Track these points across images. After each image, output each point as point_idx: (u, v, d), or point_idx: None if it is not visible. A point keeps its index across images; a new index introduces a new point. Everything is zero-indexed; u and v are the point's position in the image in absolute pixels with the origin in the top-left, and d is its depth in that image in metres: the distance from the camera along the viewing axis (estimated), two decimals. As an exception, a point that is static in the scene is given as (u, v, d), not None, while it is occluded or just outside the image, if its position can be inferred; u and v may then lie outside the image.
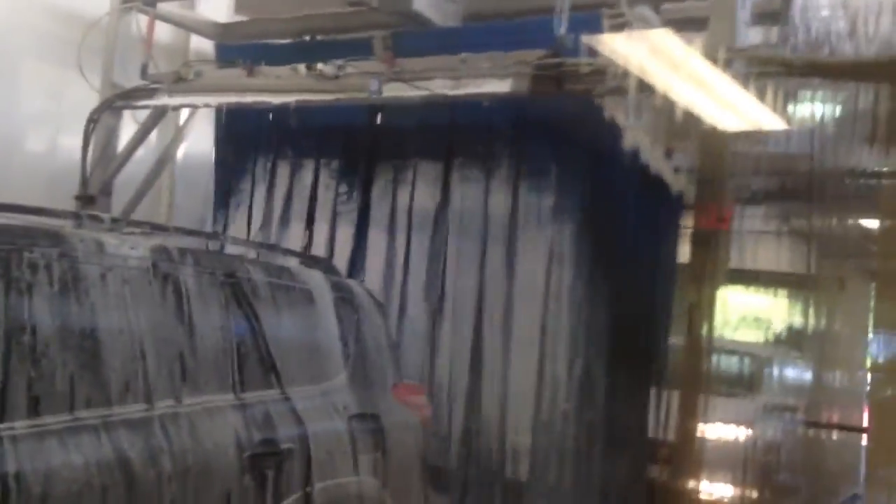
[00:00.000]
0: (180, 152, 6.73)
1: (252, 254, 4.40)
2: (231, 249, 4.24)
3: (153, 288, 3.11)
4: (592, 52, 4.64)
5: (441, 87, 4.99)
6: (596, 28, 4.57)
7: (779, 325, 8.63)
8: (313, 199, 6.04)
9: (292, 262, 4.29)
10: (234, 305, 3.45)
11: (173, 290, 3.18)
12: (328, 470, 3.54)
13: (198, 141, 6.73)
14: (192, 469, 2.97)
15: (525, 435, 5.26)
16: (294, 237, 6.01)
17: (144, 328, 3.02)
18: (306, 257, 4.69)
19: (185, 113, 6.48)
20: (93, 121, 6.01)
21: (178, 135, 6.60)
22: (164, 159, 6.59)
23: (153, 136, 6.40)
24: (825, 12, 5.34)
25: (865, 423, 8.02)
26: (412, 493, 4.04)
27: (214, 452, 3.09)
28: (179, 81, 5.68)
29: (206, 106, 5.79)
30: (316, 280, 4.05)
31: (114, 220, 3.40)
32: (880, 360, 2.58)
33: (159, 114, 6.13)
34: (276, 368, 3.54)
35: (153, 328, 3.06)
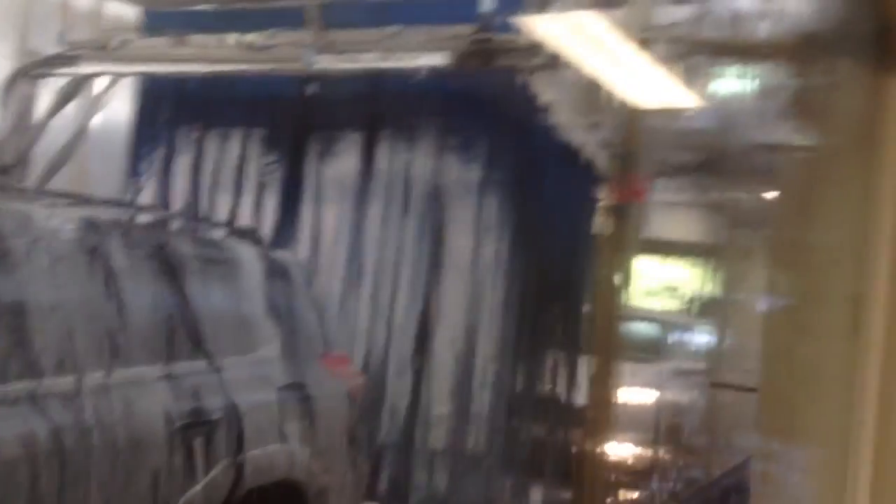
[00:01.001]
0: (97, 121, 6.57)
1: (179, 225, 4.38)
2: (155, 219, 4.21)
3: (80, 260, 3.10)
4: (520, 29, 4.75)
5: (372, 59, 5.03)
6: (520, 6, 4.68)
7: (689, 294, 9.03)
8: (240, 169, 6.01)
9: (220, 234, 4.30)
10: (163, 277, 3.46)
11: (101, 263, 3.18)
12: (257, 439, 3.60)
13: (116, 110, 6.58)
14: (122, 440, 2.99)
15: (446, 403, 5.40)
16: (220, 208, 5.98)
17: (72, 301, 3.02)
18: (234, 228, 4.69)
19: (103, 81, 6.31)
20: (6, 89, 5.83)
21: (97, 104, 6.43)
22: (82, 129, 6.42)
23: (74, 105, 6.22)
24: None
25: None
26: (340, 461, 4.13)
27: (144, 424, 3.11)
28: (102, 49, 5.55)
29: (132, 75, 5.68)
30: (244, 251, 4.07)
31: (39, 192, 3.36)
32: (769, 325, 2.80)
33: (78, 83, 5.97)
34: (205, 340, 3.57)
35: (81, 300, 3.06)
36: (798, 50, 3.74)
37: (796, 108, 4.10)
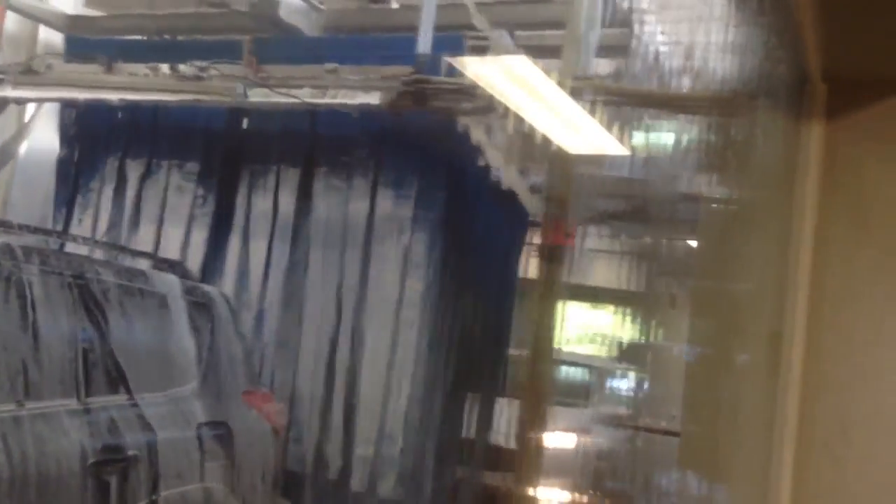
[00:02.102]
0: (22, 147, 6.38)
1: (102, 255, 4.26)
2: (80, 250, 4.08)
3: (-6, 287, 2.98)
4: (456, 72, 4.82)
5: (307, 95, 5.03)
6: (457, 49, 4.76)
7: (615, 339, 9.16)
8: (166, 201, 5.88)
9: (144, 265, 4.19)
10: (82, 308, 3.35)
11: (16, 291, 3.06)
12: (175, 477, 3.49)
13: (41, 137, 6.40)
14: (33, 475, 2.86)
15: (367, 445, 5.31)
16: (145, 240, 5.83)
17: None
18: (160, 260, 4.59)
19: (30, 108, 6.16)
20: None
21: (22, 130, 6.26)
22: (5, 155, 6.23)
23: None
24: (663, 48, 5.78)
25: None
26: (261, 500, 4.02)
27: (57, 459, 2.99)
28: (28, 73, 5.41)
29: (57, 100, 5.54)
30: (169, 284, 3.98)
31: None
32: (691, 370, 2.87)
33: (2, 106, 5.80)
34: (123, 374, 3.46)
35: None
36: (721, 102, 3.91)
37: (718, 159, 4.25)
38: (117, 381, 3.42)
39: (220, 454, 3.79)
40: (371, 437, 5.27)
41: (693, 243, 7.56)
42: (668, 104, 5.40)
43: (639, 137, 5.60)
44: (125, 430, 3.32)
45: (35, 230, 3.97)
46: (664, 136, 5.84)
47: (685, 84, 5.57)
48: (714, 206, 3.27)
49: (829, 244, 2.35)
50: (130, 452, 3.29)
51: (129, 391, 3.46)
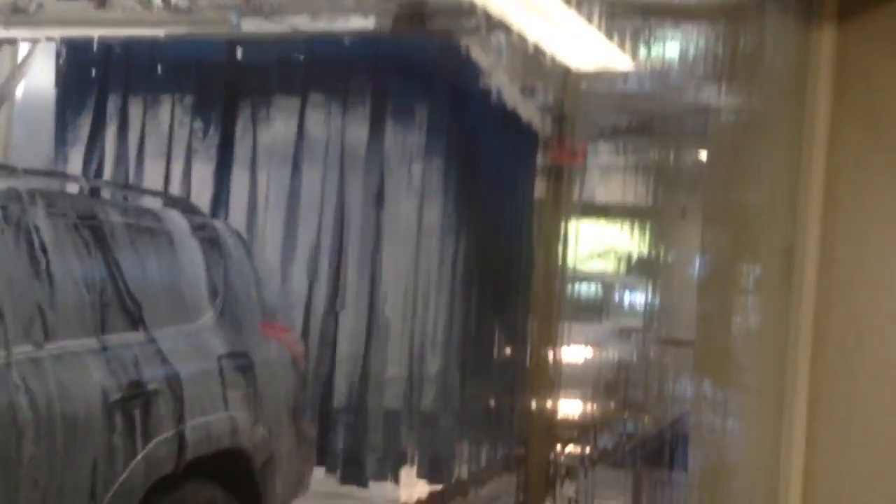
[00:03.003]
0: (19, 89, 6.30)
1: (109, 194, 4.25)
2: (83, 189, 4.06)
3: (5, 232, 2.98)
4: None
5: (301, 22, 4.93)
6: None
7: (626, 254, 9.20)
8: (169, 136, 5.84)
9: (151, 202, 4.18)
10: (93, 248, 3.35)
11: (26, 233, 3.07)
12: (199, 408, 3.55)
13: (38, 77, 6.32)
14: (57, 416, 2.92)
15: (398, 366, 5.42)
16: (150, 176, 5.81)
17: (-3, 272, 2.91)
18: (166, 197, 4.58)
19: (23, 48, 6.05)
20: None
21: (16, 71, 6.16)
22: (3, 96, 6.15)
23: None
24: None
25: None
26: (286, 427, 4.11)
27: (79, 398, 3.03)
28: (18, 13, 5.30)
29: (50, 40, 5.44)
30: (177, 220, 3.98)
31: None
32: (704, 281, 2.88)
33: (-4, 46, 5.71)
34: (139, 311, 3.49)
35: (6, 274, 2.95)
36: (728, 9, 3.80)
37: (727, 69, 4.16)
38: (133, 318, 3.45)
39: (242, 384, 3.85)
40: (400, 359, 5.36)
41: (703, 155, 7.50)
42: (673, 13, 5.27)
43: (644, 50, 5.48)
44: (145, 366, 3.37)
45: (41, 173, 3.96)
46: (670, 47, 5.71)
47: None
48: (724, 117, 3.22)
49: (842, 150, 2.32)
50: (151, 386, 3.34)
51: (145, 328, 3.50)
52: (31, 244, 3.06)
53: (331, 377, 5.45)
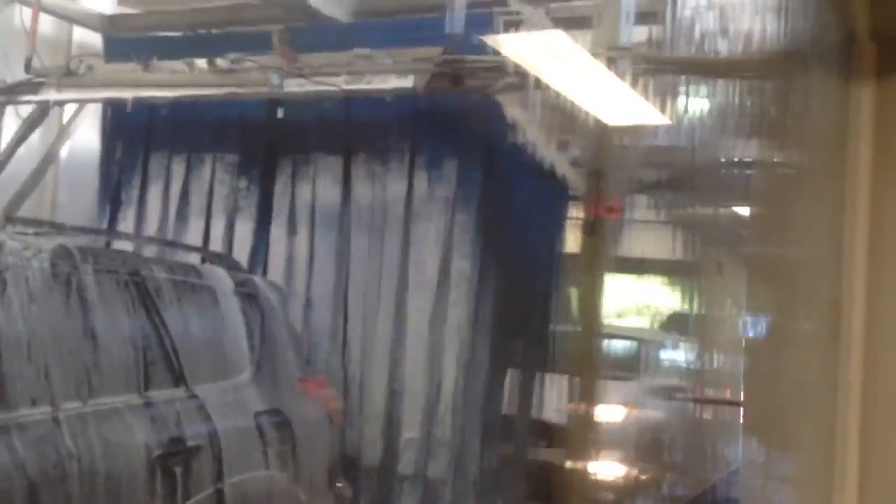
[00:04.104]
0: (65, 150, 6.50)
1: (153, 251, 4.33)
2: (128, 246, 4.16)
3: (55, 289, 3.05)
4: (489, 49, 4.79)
5: (341, 82, 5.04)
6: (488, 26, 4.72)
7: (662, 310, 9.11)
8: (211, 194, 5.96)
9: (194, 259, 4.25)
10: (138, 304, 3.41)
11: (75, 291, 3.13)
12: (238, 466, 3.55)
13: (83, 138, 6.51)
14: (101, 471, 2.94)
15: (412, 428, 5.35)
16: (192, 233, 5.92)
17: (47, 331, 2.96)
18: (208, 253, 4.65)
19: (69, 109, 6.26)
20: (-24, 118, 5.75)
21: (63, 131, 6.37)
22: (49, 157, 6.35)
23: (39, 133, 6.15)
24: (699, 12, 5.67)
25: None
26: (321, 485, 4.08)
27: (122, 453, 3.06)
28: (69, 75, 5.50)
29: (100, 101, 5.62)
30: (219, 276, 4.04)
31: (10, 220, 3.30)
32: (752, 339, 2.83)
33: (44, 110, 5.90)
34: (181, 367, 3.52)
35: (55, 330, 3.00)
36: (762, 66, 3.82)
37: (763, 124, 4.17)
38: (176, 374, 3.49)
39: (279, 441, 3.85)
40: (417, 420, 5.31)
41: (739, 210, 7.46)
42: (707, 69, 5.31)
43: (679, 105, 5.51)
44: (186, 422, 3.39)
45: (87, 231, 4.05)
46: (704, 102, 5.75)
47: (723, 48, 5.47)
48: (765, 171, 3.22)
49: (884, 202, 2.31)
50: (192, 443, 3.36)
51: (187, 384, 3.53)
52: (79, 302, 3.13)
53: (361, 436, 5.40)
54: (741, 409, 7.53)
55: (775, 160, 2.95)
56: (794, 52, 3.05)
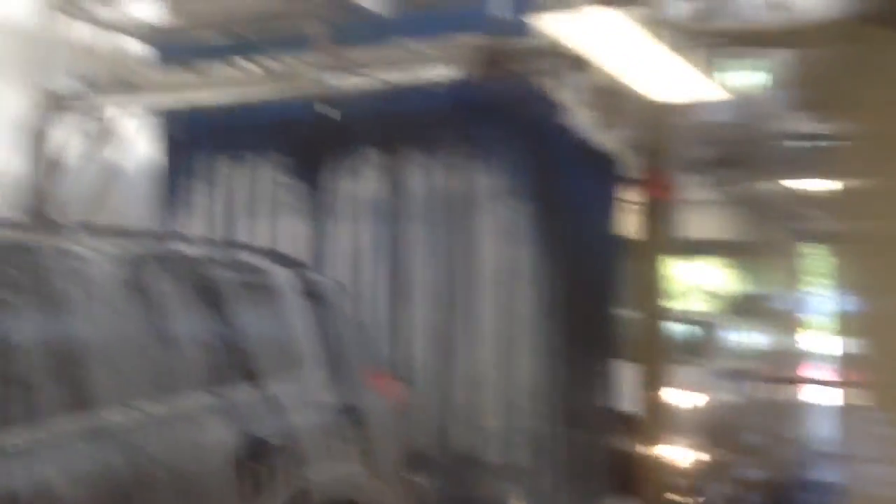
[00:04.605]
0: (124, 158, 6.60)
1: (216, 253, 4.36)
2: (195, 250, 4.19)
3: (128, 294, 3.08)
4: (531, 34, 4.72)
5: (387, 75, 5.03)
6: (532, 8, 4.66)
7: (726, 292, 8.93)
8: (267, 194, 6.01)
9: (256, 259, 4.27)
10: (208, 306, 3.44)
11: (146, 295, 3.16)
12: (319, 462, 3.55)
13: (141, 146, 6.62)
14: (185, 472, 2.96)
15: (492, 416, 5.34)
16: (250, 234, 5.97)
17: (122, 334, 2.99)
18: (268, 253, 4.67)
19: (126, 119, 6.35)
20: (34, 131, 5.87)
21: (121, 141, 6.47)
22: (110, 167, 6.45)
23: (98, 144, 6.26)
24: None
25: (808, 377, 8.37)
26: (398, 478, 4.08)
27: (205, 454, 3.07)
28: (125, 86, 5.58)
29: (155, 109, 5.70)
30: (282, 275, 4.05)
31: (78, 227, 3.35)
32: (847, 320, 2.72)
33: (102, 121, 6.01)
34: (255, 366, 3.54)
35: (130, 334, 3.03)
36: (832, 32, 3.69)
37: (825, 95, 4.02)
38: (251, 374, 3.50)
39: (355, 436, 3.85)
40: (496, 410, 5.29)
41: (793, 185, 7.27)
42: (759, 40, 5.17)
43: (733, 78, 5.40)
44: (266, 421, 3.40)
45: (153, 235, 4.09)
46: (759, 75, 5.62)
47: (775, 17, 5.32)
48: (843, 143, 3.10)
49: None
50: (274, 442, 3.36)
51: (262, 383, 3.54)
52: (152, 305, 3.15)
53: (436, 430, 5.41)
54: (827, 388, 7.32)
55: (850, 131, 2.84)
56: (857, 15, 2.94)
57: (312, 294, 4.14)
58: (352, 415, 3.87)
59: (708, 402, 6.79)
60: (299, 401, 3.66)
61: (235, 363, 3.44)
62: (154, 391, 3.02)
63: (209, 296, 3.44)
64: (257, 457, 3.23)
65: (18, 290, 2.71)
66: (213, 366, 3.32)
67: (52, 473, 2.56)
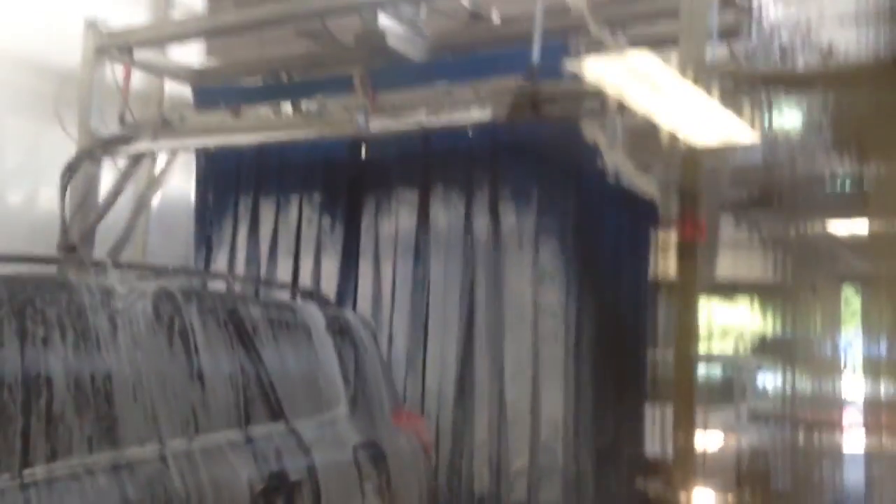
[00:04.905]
0: (156, 197, 6.73)
1: (247, 290, 4.42)
2: (227, 287, 4.26)
3: (159, 330, 3.13)
4: (569, 75, 4.76)
5: (422, 118, 5.09)
6: (565, 53, 4.71)
7: (757, 334, 8.81)
8: (298, 234, 6.08)
9: (286, 297, 4.32)
10: (237, 343, 3.48)
11: (178, 332, 3.21)
12: (337, 498, 3.56)
13: (174, 185, 6.75)
14: (206, 506, 2.98)
15: (521, 457, 5.29)
16: (281, 273, 6.03)
17: (153, 370, 3.04)
18: (299, 291, 4.72)
19: (161, 158, 6.49)
20: (70, 170, 6.01)
21: (156, 180, 6.60)
22: (141, 205, 6.58)
23: (131, 183, 6.39)
24: (781, 26, 5.54)
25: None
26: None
27: (227, 488, 3.10)
28: (165, 126, 5.71)
29: (194, 148, 5.81)
30: (311, 313, 4.09)
31: (113, 266, 3.41)
32: (877, 363, 2.68)
33: (138, 160, 6.14)
34: (280, 403, 3.57)
35: (161, 370, 3.08)
36: (858, 73, 3.69)
37: (861, 137, 4.00)
38: (275, 410, 3.53)
39: (375, 474, 3.85)
40: (524, 449, 5.24)
41: (831, 226, 7.18)
42: (794, 83, 5.16)
43: (769, 121, 5.37)
44: (287, 457, 3.43)
45: (187, 272, 4.16)
46: (795, 116, 5.59)
47: (809, 60, 5.31)
48: (878, 184, 3.08)
49: None
50: (293, 478, 3.38)
51: (286, 419, 3.56)
52: (182, 341, 3.20)
53: (462, 468, 5.36)
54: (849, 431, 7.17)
55: (885, 173, 2.82)
56: (883, 62, 2.93)
57: (341, 332, 4.17)
58: (375, 452, 3.86)
59: (738, 446, 6.67)
60: (324, 437, 3.68)
61: (262, 399, 3.47)
62: (180, 426, 3.04)
63: (237, 332, 3.48)
64: (276, 492, 3.24)
65: (52, 326, 2.76)
66: (239, 401, 3.35)
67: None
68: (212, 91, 6.07)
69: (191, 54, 6.89)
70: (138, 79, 6.53)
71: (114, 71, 6.16)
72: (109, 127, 6.09)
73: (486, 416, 5.38)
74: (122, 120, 6.02)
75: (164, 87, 6.70)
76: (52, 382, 2.68)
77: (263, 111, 5.47)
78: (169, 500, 2.87)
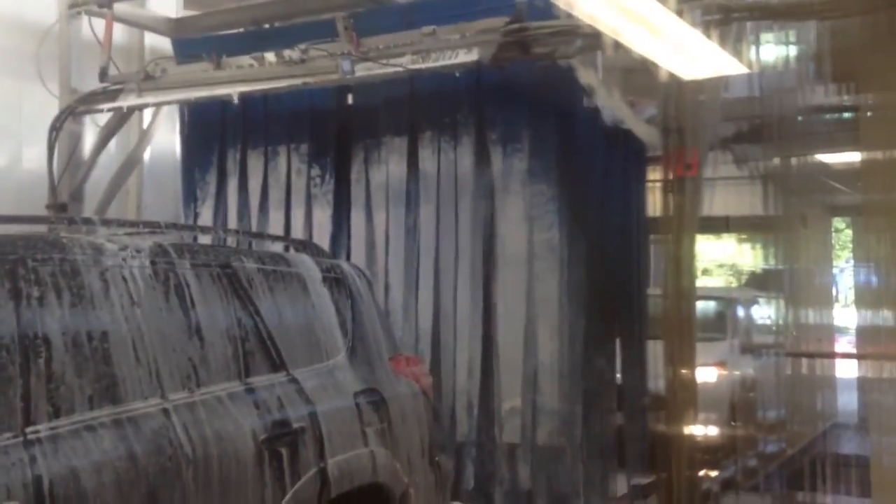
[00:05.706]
0: (146, 153, 6.67)
1: (240, 243, 4.41)
2: (219, 241, 4.24)
3: (155, 286, 3.14)
4: (554, 15, 4.69)
5: (408, 62, 5.02)
6: (550, -10, 4.63)
7: (748, 268, 8.89)
8: (288, 185, 6.04)
9: (280, 248, 4.31)
10: (233, 296, 3.48)
11: (174, 287, 3.22)
12: (340, 445, 3.61)
13: (162, 139, 6.68)
14: (213, 455, 3.02)
15: (516, 397, 5.36)
16: (272, 224, 6.02)
17: (151, 326, 3.05)
18: (292, 242, 4.72)
19: (147, 113, 6.41)
20: (55, 128, 5.94)
21: (144, 135, 6.54)
22: (132, 160, 6.53)
23: (118, 138, 6.33)
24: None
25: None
26: (422, 461, 4.12)
27: (231, 439, 3.14)
28: (147, 80, 5.63)
29: (177, 102, 5.74)
30: (306, 264, 4.09)
31: (105, 222, 3.40)
32: (867, 294, 2.70)
33: (123, 115, 6.07)
34: (280, 353, 3.59)
35: (159, 325, 3.09)
36: (848, 5, 3.64)
37: (852, 66, 3.96)
38: (274, 360, 3.56)
39: (377, 419, 3.90)
40: (519, 390, 5.30)
41: (820, 158, 7.19)
42: (780, 13, 5.10)
43: (757, 53, 5.32)
44: (288, 406, 3.46)
45: (179, 228, 4.14)
46: (782, 48, 5.54)
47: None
48: (872, 113, 3.07)
49: None
50: (296, 425, 3.42)
51: (286, 369, 3.59)
52: (178, 296, 3.21)
53: (454, 410, 5.44)
54: (839, 359, 7.29)
55: (877, 102, 2.80)
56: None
57: (337, 282, 4.18)
58: (374, 398, 3.91)
59: (730, 378, 6.78)
60: (323, 385, 3.71)
61: (261, 351, 3.49)
62: (181, 380, 3.07)
63: (232, 285, 3.49)
64: (279, 440, 3.28)
65: (45, 285, 2.76)
66: (238, 353, 3.38)
67: (81, 462, 2.63)
68: (192, 42, 5.97)
69: (168, 5, 6.76)
70: (118, 33, 6.41)
71: (92, 25, 6.05)
72: (92, 83, 6.00)
73: (476, 358, 5.43)
74: (103, 75, 5.92)
75: (143, 41, 6.59)
76: (46, 340, 2.69)
77: (246, 60, 5.38)
78: (174, 453, 2.90)
